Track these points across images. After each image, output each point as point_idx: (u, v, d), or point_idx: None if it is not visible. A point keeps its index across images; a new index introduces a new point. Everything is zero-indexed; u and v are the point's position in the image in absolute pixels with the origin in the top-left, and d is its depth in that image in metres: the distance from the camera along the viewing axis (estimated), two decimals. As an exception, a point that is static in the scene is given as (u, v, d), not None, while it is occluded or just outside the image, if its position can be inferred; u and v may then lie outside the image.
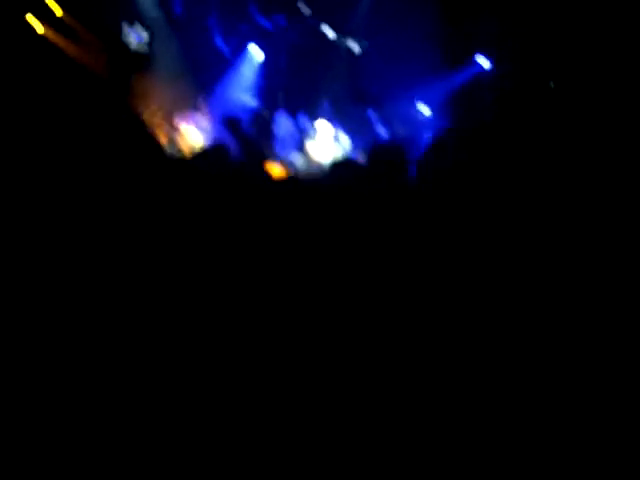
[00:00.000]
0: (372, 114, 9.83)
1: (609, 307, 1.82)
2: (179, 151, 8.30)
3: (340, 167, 3.07)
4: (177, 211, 2.11)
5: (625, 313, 1.76)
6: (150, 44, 1.73)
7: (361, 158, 8.67)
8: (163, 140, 8.65)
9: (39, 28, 8.84)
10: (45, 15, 8.82)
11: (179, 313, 1.88)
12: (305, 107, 9.53)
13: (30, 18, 8.78)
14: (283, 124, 9.21)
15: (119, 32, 1.67)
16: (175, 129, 8.75)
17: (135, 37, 1.68)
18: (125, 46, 1.71)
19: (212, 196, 2.31)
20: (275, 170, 7.41)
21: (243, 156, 3.07)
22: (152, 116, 8.98)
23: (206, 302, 1.92)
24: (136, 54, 1.68)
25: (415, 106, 9.67)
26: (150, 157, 2.24)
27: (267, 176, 3.12)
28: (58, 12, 9.02)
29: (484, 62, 9.30)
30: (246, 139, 3.24)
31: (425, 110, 9.67)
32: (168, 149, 8.13)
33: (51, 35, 8.99)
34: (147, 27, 1.74)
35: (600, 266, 1.94)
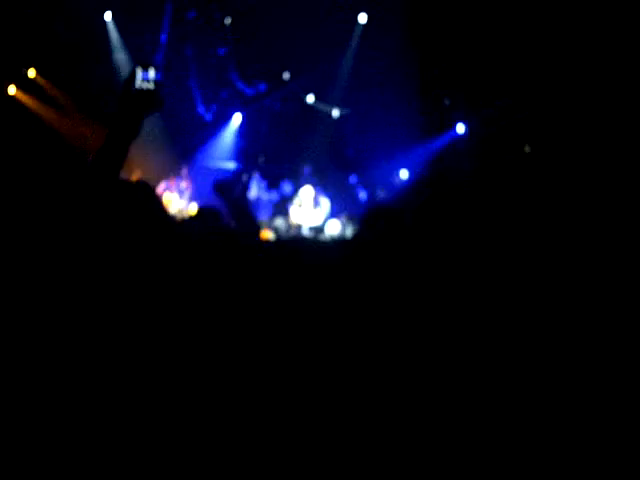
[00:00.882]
0: (353, 178, 9.97)
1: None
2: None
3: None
4: (170, 275, 2.11)
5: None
6: (157, 81, 1.77)
7: (342, 220, 8.76)
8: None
9: (10, 90, 8.95)
10: (18, 78, 8.93)
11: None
12: (285, 171, 9.64)
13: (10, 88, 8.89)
14: (262, 188, 9.28)
15: (132, 77, 1.71)
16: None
17: (142, 76, 1.72)
18: (135, 89, 1.73)
19: (205, 260, 2.30)
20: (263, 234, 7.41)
21: (236, 221, 3.06)
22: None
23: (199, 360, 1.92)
24: (142, 91, 1.71)
25: (395, 171, 9.82)
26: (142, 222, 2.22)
27: (260, 240, 3.12)
28: (31, 74, 9.15)
29: (460, 128, 9.51)
30: (238, 204, 3.20)
31: (405, 174, 9.81)
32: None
33: (23, 97, 9.09)
34: (155, 66, 1.77)
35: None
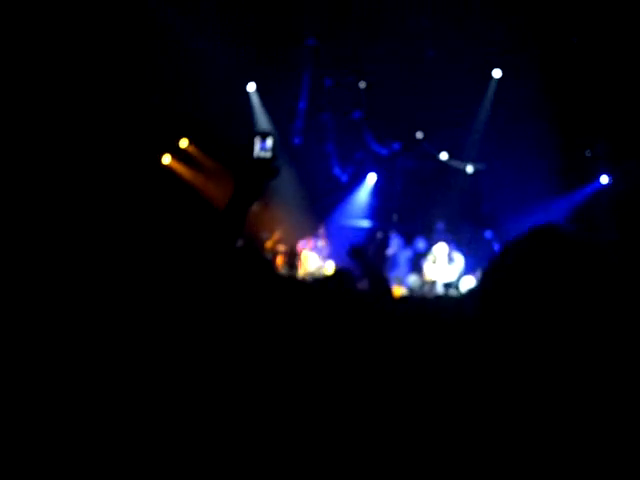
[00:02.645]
0: (488, 233, 9.80)
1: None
2: (297, 276, 8.58)
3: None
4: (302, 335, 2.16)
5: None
6: (274, 149, 1.87)
7: (477, 277, 8.61)
8: (282, 265, 9.01)
9: (165, 159, 9.70)
10: (171, 147, 9.67)
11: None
12: (419, 228, 9.67)
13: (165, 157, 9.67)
14: (397, 245, 9.36)
15: (251, 146, 1.84)
16: (296, 255, 9.12)
17: (260, 145, 1.82)
18: (254, 159, 1.85)
19: (337, 319, 2.34)
20: (395, 291, 7.48)
21: (369, 284, 3.08)
22: (275, 243, 9.43)
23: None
24: (260, 160, 1.81)
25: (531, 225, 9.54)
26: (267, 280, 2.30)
27: (394, 303, 3.13)
28: (183, 144, 9.91)
29: (604, 179, 9.14)
30: (372, 268, 3.23)
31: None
32: (286, 273, 8.44)
33: (176, 165, 9.84)
34: (270, 135, 1.88)
35: None
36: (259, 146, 2.03)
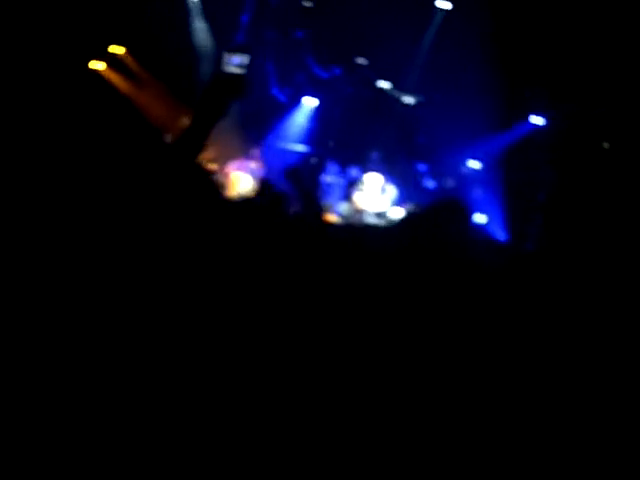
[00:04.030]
0: (422, 167, 9.86)
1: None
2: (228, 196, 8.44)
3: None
4: (228, 250, 2.14)
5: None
6: (249, 67, 1.79)
7: (407, 209, 8.70)
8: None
9: (99, 67, 9.26)
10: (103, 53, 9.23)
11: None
12: (354, 157, 9.63)
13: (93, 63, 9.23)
14: (331, 172, 9.31)
15: (219, 62, 1.75)
16: (225, 176, 8.91)
17: (234, 61, 1.74)
18: (223, 73, 1.77)
19: (267, 242, 2.34)
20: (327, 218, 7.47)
21: (302, 204, 3.05)
22: (206, 163, 9.20)
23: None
24: (230, 76, 1.73)
25: (465, 161, 9.65)
26: (206, 199, 2.27)
27: (324, 225, 3.13)
28: (117, 51, 9.45)
29: (538, 120, 9.25)
30: (307, 191, 3.22)
31: (475, 165, 9.63)
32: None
33: (109, 74, 9.42)
34: (246, 50, 1.80)
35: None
36: (231, 61, 1.93)
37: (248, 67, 1.93)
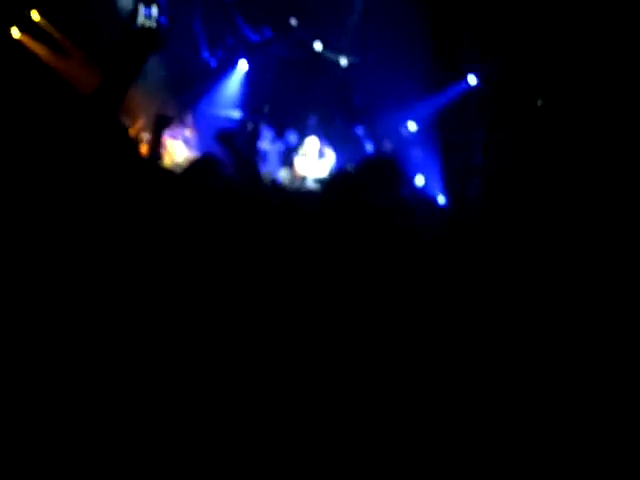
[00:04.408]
0: (359, 129, 9.79)
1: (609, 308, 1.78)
2: (164, 166, 8.21)
3: (335, 180, 3.14)
4: (169, 224, 2.09)
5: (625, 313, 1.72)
6: (158, 19, 1.71)
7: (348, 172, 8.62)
8: (147, 155, 8.52)
9: (15, 33, 8.80)
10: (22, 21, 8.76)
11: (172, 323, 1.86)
12: (291, 121, 9.47)
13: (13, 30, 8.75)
14: (267, 138, 9.12)
15: (134, 14, 1.64)
16: (161, 144, 8.62)
17: (145, 12, 1.66)
18: (136, 26, 1.70)
19: (205, 209, 2.28)
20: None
21: (237, 171, 2.96)
22: (138, 131, 8.87)
23: (200, 311, 1.90)
24: (144, 29, 1.64)
25: (403, 122, 9.62)
26: (138, 170, 2.21)
27: (261, 189, 3.12)
28: (34, 16, 8.98)
29: (472, 80, 9.27)
30: (241, 155, 3.18)
31: (412, 126, 9.61)
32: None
33: (27, 40, 8.94)
34: (158, 4, 1.71)
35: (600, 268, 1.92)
36: (143, 12, 1.84)
37: (162, 21, 1.81)
